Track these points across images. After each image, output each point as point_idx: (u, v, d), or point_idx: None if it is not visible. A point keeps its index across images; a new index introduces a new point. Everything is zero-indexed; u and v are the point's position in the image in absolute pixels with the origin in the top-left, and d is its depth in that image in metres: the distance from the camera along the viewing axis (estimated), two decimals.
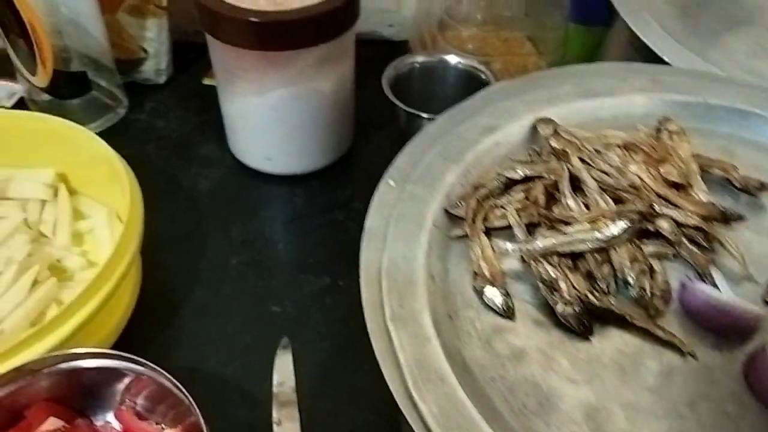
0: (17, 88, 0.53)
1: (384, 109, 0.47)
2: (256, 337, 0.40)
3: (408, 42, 0.59)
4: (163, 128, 0.54)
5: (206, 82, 0.58)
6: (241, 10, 0.41)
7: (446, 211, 0.32)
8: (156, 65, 0.56)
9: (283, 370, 0.38)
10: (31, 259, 0.39)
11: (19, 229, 0.41)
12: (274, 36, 0.41)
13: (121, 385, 0.33)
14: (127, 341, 0.37)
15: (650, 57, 0.43)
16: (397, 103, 0.44)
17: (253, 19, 0.40)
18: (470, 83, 0.47)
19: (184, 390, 0.30)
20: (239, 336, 0.40)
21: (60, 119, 0.43)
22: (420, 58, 0.47)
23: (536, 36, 0.53)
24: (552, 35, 0.52)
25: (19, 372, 0.31)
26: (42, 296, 0.38)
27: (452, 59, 0.47)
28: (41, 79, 0.48)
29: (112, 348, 0.36)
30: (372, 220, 0.31)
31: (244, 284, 0.44)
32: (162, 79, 0.57)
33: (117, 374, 0.32)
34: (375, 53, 0.48)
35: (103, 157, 0.41)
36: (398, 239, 0.30)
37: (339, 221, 0.48)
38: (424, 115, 0.44)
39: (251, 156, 0.49)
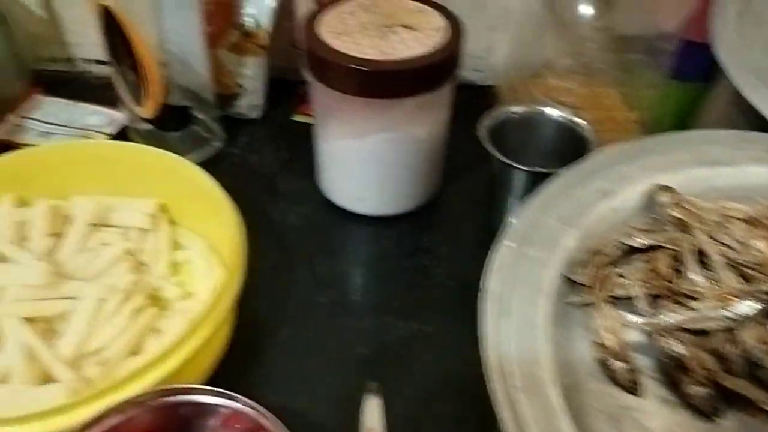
0: (117, 116, 0.55)
1: (470, 154, 0.46)
2: (343, 378, 0.40)
3: (493, 87, 0.60)
4: (256, 162, 0.55)
5: (296, 118, 0.59)
6: (350, 59, 0.41)
7: (566, 277, 0.32)
8: (251, 101, 0.57)
9: (372, 417, 0.38)
10: (133, 288, 0.41)
11: (121, 258, 0.42)
12: (381, 84, 0.42)
13: (215, 421, 0.33)
14: (217, 375, 0.38)
15: (757, 120, 0.42)
16: (495, 153, 0.44)
17: (361, 68, 0.41)
18: (567, 137, 0.47)
19: (285, 428, 0.30)
20: (326, 377, 0.40)
21: (165, 152, 0.44)
22: (518, 109, 0.47)
23: (629, 92, 0.52)
24: (647, 92, 0.52)
25: (126, 404, 0.31)
26: (143, 325, 0.39)
27: (552, 112, 0.47)
28: (147, 110, 0.50)
29: (206, 382, 0.37)
30: (492, 282, 0.30)
31: (331, 324, 0.44)
32: (255, 114, 0.58)
33: (212, 409, 0.33)
34: (459, 97, 0.49)
35: (206, 191, 0.42)
36: (520, 304, 0.30)
37: (424, 266, 0.48)
38: (520, 167, 0.44)
39: (342, 195, 0.50)
